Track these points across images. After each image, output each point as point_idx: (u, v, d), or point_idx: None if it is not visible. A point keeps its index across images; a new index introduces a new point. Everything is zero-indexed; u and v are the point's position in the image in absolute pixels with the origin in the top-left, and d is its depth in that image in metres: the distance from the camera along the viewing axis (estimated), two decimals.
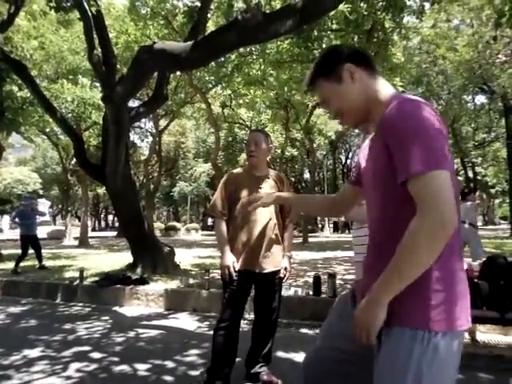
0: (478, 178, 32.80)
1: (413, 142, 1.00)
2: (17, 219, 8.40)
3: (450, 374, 1.04)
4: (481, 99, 30.45)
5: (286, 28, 4.49)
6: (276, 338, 2.78)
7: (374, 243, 1.20)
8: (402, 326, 1.04)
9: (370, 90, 1.20)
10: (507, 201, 27.99)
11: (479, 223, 7.55)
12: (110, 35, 7.56)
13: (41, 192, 34.33)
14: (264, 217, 2.58)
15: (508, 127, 20.72)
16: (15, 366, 3.14)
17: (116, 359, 3.24)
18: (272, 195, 1.57)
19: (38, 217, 8.81)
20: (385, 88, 1.20)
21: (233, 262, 2.51)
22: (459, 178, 36.16)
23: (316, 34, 8.45)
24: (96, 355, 3.36)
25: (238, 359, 2.63)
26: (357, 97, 1.21)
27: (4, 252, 10.64)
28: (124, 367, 3.05)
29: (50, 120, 10.10)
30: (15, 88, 9.72)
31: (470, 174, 31.26)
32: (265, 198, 1.53)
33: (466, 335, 3.54)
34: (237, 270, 2.52)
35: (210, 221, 41.34)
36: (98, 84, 10.87)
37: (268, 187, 2.64)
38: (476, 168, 31.95)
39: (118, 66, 7.77)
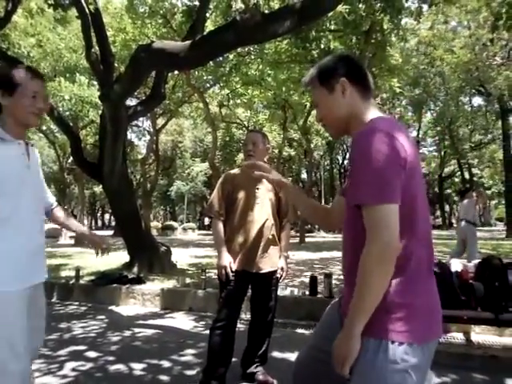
0: (475, 179, 32.98)
1: (363, 171, 1.08)
2: None
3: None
4: (477, 101, 30.59)
5: (285, 28, 4.49)
6: (272, 338, 2.79)
7: (344, 251, 1.27)
8: (367, 337, 1.08)
9: (356, 109, 1.24)
10: (503, 202, 28.15)
11: None
12: (108, 33, 7.53)
13: None
14: (261, 217, 2.59)
15: (504, 129, 20.84)
16: None
17: (112, 358, 3.24)
18: (278, 176, 1.54)
19: None
20: (370, 112, 1.23)
21: (229, 262, 2.52)
22: (455, 179, 36.39)
23: (314, 34, 8.47)
24: (92, 354, 3.35)
25: (233, 359, 2.64)
26: (342, 111, 1.25)
27: None
28: (120, 366, 3.05)
29: (47, 118, 10.05)
30: None
31: (467, 176, 31.40)
32: (272, 175, 1.51)
33: (461, 336, 3.56)
34: (234, 270, 2.53)
35: (206, 220, 41.28)
36: (95, 82, 10.83)
37: (265, 188, 2.65)
38: (472, 169, 32.10)
39: (116, 65, 7.75)
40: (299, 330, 4.11)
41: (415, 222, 1.12)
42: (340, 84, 1.23)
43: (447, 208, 44.45)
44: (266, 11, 4.93)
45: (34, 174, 1.76)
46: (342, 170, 37.00)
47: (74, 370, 3.01)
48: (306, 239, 16.69)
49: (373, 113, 1.23)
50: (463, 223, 6.94)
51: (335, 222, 1.50)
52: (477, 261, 3.54)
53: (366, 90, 1.26)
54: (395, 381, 1.04)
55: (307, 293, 4.70)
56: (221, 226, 2.62)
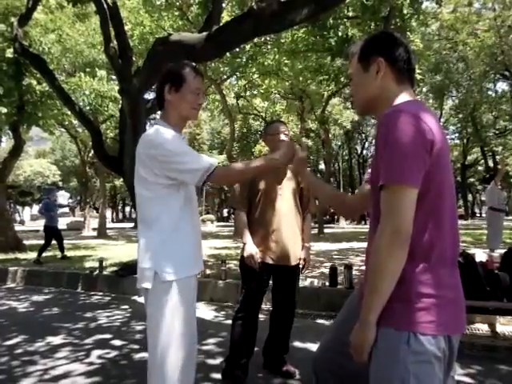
0: (499, 167, 31.98)
1: (385, 153, 1.06)
2: (43, 210, 8.65)
3: (435, 375, 1.05)
4: (502, 86, 29.43)
5: (302, 17, 4.42)
6: (293, 328, 2.80)
7: (369, 238, 1.25)
8: (387, 327, 1.07)
9: (387, 91, 1.21)
10: None
11: None
12: (126, 27, 7.57)
13: (60, 184, 35.05)
14: (283, 208, 2.59)
15: None
16: (39, 352, 3.25)
17: (136, 347, 3.32)
18: (305, 167, 1.59)
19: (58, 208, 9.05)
20: (400, 97, 1.20)
21: (256, 252, 2.51)
22: (479, 167, 35.36)
23: (332, 22, 8.28)
24: (117, 343, 3.45)
25: (255, 348, 2.66)
26: (372, 91, 1.23)
27: (26, 243, 10.95)
28: (144, 355, 3.11)
29: (69, 113, 10.24)
30: (34, 82, 9.88)
31: (491, 164, 30.48)
32: (299, 161, 1.55)
33: (486, 327, 3.50)
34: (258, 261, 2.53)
35: (225, 212, 41.51)
36: (114, 77, 10.94)
37: (287, 178, 2.64)
38: (496, 157, 31.09)
39: (134, 59, 7.79)
40: (319, 321, 4.11)
41: (441, 210, 1.09)
42: (376, 63, 1.20)
43: (470, 197, 43.35)
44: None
45: None
46: (361, 161, 36.47)
47: (99, 357, 3.11)
48: (325, 230, 16.60)
49: (403, 98, 1.19)
50: (490, 211, 6.77)
51: (354, 210, 1.50)
52: (502, 250, 3.45)
53: (404, 74, 1.21)
54: (417, 371, 1.03)
55: (327, 284, 4.69)
56: (244, 216, 2.62)
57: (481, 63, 18.75)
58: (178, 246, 1.60)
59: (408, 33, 9.87)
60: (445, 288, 1.08)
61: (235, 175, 1.71)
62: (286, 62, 11.59)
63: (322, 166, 34.42)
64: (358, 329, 1.10)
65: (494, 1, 16.77)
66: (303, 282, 4.60)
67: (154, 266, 1.56)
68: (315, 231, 15.51)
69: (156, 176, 1.58)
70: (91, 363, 3.00)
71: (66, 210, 31.61)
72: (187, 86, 1.65)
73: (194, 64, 1.76)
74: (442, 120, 29.26)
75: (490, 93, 24.22)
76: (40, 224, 11.01)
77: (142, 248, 1.61)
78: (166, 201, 1.60)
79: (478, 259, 3.15)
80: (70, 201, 41.33)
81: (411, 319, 1.04)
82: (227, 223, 32.78)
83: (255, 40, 10.09)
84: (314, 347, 3.17)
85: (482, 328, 3.52)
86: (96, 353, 3.20)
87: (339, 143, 33.60)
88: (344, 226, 25.42)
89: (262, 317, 3.26)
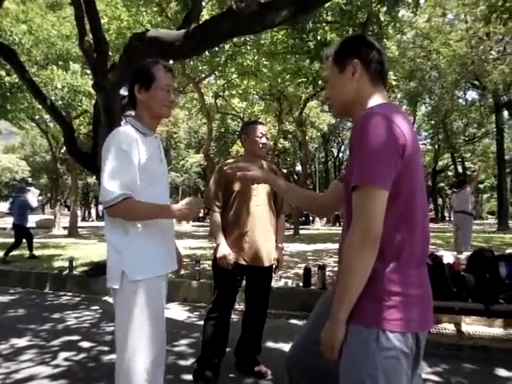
0: (468, 172, 33.16)
1: (357, 155, 1.09)
2: (28, 209, 8.39)
3: (403, 371, 1.08)
4: (472, 95, 30.63)
5: (281, 18, 4.44)
6: (266, 329, 2.81)
7: (342, 237, 1.26)
8: (357, 324, 1.09)
9: (363, 93, 1.23)
10: (495, 196, 28.42)
11: None
12: (102, 21, 7.39)
13: (30, 180, 33.85)
14: (258, 209, 2.59)
15: (498, 123, 20.96)
16: (2, 355, 3.12)
17: (105, 349, 3.24)
18: (265, 172, 1.54)
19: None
20: (375, 98, 1.22)
21: (229, 253, 2.51)
22: (449, 172, 36.59)
23: (311, 25, 8.38)
24: (85, 344, 3.35)
25: (227, 349, 2.65)
26: (348, 92, 1.24)
27: None
28: (113, 356, 3.01)
29: (40, 107, 9.90)
30: (3, 73, 9.50)
31: (460, 169, 31.64)
32: (259, 172, 1.49)
33: (452, 327, 3.61)
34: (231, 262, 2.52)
35: (201, 212, 41.17)
36: (89, 71, 10.65)
37: None
38: (466, 163, 32.29)
39: (110, 53, 7.61)
40: (293, 321, 4.14)
41: (412, 211, 1.12)
42: (352, 65, 1.22)
43: (440, 201, 44.78)
44: (263, 0, 4.84)
45: (165, 167, 1.81)
46: (337, 163, 37.01)
47: (67, 359, 3.02)
48: (300, 231, 16.74)
49: (377, 100, 1.21)
50: (460, 214, 6.99)
51: (330, 208, 1.52)
52: (468, 253, 3.58)
53: (379, 76, 1.24)
54: (386, 367, 1.05)
55: (301, 284, 4.73)
56: (218, 217, 2.61)
57: (453, 72, 19.39)
58: (144, 245, 1.58)
59: (385, 40, 10.11)
60: (413, 287, 1.11)
61: (134, 216, 1.61)
62: (265, 63, 11.65)
63: (298, 168, 34.70)
64: (329, 326, 1.12)
65: (466, 13, 17.39)
66: (277, 283, 4.62)
67: (122, 266, 1.54)
68: (290, 232, 15.61)
69: None
70: (57, 366, 2.90)
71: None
72: (157, 83, 1.63)
73: (163, 61, 1.74)
74: (416, 126, 30.12)
75: (460, 101, 25.15)
76: (7, 222, 10.61)
77: (109, 248, 1.59)
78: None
79: (445, 261, 3.25)
80: (40, 198, 39.97)
81: (380, 316, 1.07)
82: (203, 223, 32.57)
83: (234, 40, 10.08)
84: (286, 347, 3.18)
85: (448, 328, 3.63)
86: (63, 355, 3.10)
87: (316, 145, 33.95)
88: (319, 227, 25.73)
89: (234, 317, 3.25)
